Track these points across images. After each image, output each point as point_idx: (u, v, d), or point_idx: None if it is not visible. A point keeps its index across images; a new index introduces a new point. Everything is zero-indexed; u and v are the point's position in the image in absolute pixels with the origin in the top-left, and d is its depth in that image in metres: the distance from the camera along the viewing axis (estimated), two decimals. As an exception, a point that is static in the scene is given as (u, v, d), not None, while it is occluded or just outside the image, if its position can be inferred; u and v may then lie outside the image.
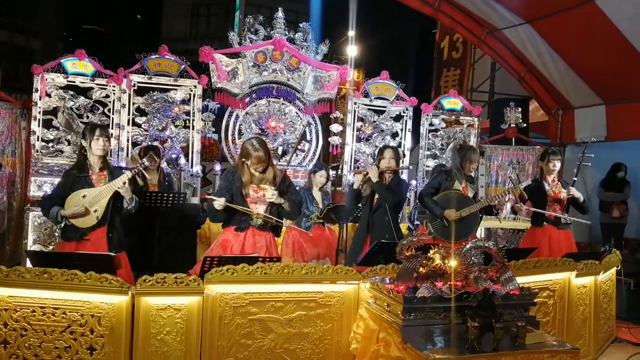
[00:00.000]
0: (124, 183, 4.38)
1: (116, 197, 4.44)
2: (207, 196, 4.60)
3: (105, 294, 3.49)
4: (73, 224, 4.38)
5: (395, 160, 5.49)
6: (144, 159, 4.62)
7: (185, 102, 7.18)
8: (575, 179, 6.17)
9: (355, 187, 5.49)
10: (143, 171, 4.58)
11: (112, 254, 3.97)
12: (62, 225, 4.46)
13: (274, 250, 4.53)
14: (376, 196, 5.44)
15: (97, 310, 3.50)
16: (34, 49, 24.78)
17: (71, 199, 4.37)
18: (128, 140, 6.97)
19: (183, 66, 7.10)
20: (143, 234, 5.34)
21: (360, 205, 5.65)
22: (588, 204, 6.21)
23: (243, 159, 4.47)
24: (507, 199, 5.71)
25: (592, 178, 9.24)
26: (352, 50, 15.26)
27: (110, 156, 6.80)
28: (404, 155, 7.96)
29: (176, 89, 7.13)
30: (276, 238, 4.71)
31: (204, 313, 3.64)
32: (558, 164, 6.01)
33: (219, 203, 4.35)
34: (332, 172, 7.06)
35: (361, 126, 8.05)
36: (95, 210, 4.35)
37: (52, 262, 3.66)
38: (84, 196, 4.36)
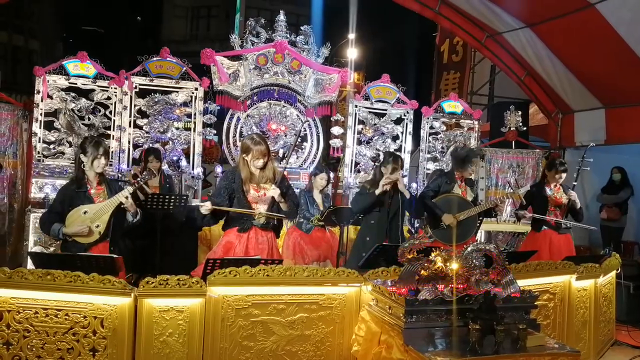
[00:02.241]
0: (127, 198, 4.37)
1: (117, 211, 4.42)
2: (196, 205, 4.56)
3: (108, 295, 3.51)
4: (75, 240, 4.33)
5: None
6: (144, 173, 4.60)
7: (187, 104, 7.20)
8: (575, 183, 6.20)
9: (377, 192, 5.43)
10: (143, 185, 4.57)
11: (115, 255, 3.97)
12: (62, 239, 4.38)
13: (275, 251, 4.55)
14: (389, 202, 5.44)
15: (100, 312, 3.51)
16: (33, 50, 24.81)
17: (72, 215, 4.32)
18: (129, 142, 6.98)
19: (185, 68, 7.12)
20: (144, 237, 5.35)
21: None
22: (583, 212, 6.24)
23: (243, 155, 4.48)
24: (506, 203, 5.75)
25: (591, 182, 9.27)
26: (352, 53, 15.28)
27: (112, 158, 6.82)
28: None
29: (177, 91, 7.15)
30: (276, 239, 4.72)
31: (207, 315, 3.65)
32: (564, 176, 6.06)
33: (205, 208, 4.35)
34: (332, 174, 7.07)
35: (362, 129, 8.07)
36: (97, 226, 4.33)
37: (54, 263, 3.67)
38: (85, 212, 4.31)
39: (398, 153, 6.02)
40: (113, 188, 4.50)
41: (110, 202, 4.37)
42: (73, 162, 6.72)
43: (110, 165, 6.73)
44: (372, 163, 7.91)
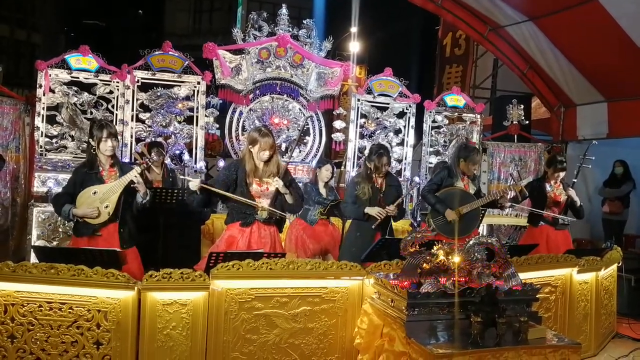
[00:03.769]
0: (136, 177, 4.40)
1: (126, 192, 4.46)
2: (182, 177, 4.61)
3: (111, 289, 3.54)
4: (85, 220, 4.38)
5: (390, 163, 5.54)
6: (152, 154, 4.64)
7: (189, 98, 7.20)
8: (575, 180, 6.21)
9: (367, 211, 5.35)
10: (152, 165, 4.60)
11: (118, 249, 4.00)
12: (74, 221, 4.46)
13: (278, 245, 4.56)
14: (381, 197, 5.44)
15: (104, 306, 3.54)
16: (35, 44, 24.81)
17: (82, 196, 4.37)
18: (132, 137, 6.99)
19: (187, 62, 7.12)
20: (147, 231, 5.36)
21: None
22: (584, 210, 6.23)
23: (250, 146, 4.47)
24: (509, 195, 5.75)
25: (593, 176, 9.28)
26: (354, 47, 15.21)
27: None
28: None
29: (180, 85, 7.15)
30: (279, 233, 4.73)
31: (210, 308, 3.68)
32: (563, 174, 6.08)
33: (194, 184, 4.37)
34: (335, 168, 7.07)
35: (364, 123, 8.08)
36: (107, 206, 4.36)
37: (57, 257, 3.70)
38: (94, 192, 4.36)
39: (385, 146, 5.86)
40: (125, 170, 4.53)
41: (119, 182, 4.40)
42: (75, 156, 6.76)
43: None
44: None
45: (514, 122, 9.01)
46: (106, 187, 4.39)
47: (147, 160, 4.58)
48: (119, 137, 6.79)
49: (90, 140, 4.49)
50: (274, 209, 4.47)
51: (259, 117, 7.75)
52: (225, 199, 4.51)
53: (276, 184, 4.43)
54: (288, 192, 4.50)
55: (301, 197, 4.71)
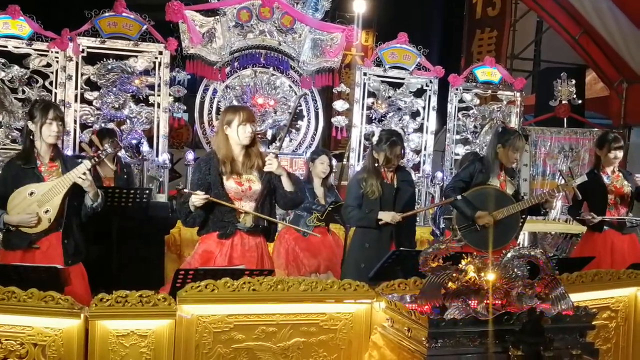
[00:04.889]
0: (84, 174, 4.35)
1: (73, 193, 4.43)
2: (181, 190, 4.50)
3: (51, 317, 3.51)
4: (19, 229, 4.34)
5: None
6: (105, 145, 4.60)
7: (149, 72, 7.20)
8: (642, 173, 6.19)
9: (379, 217, 5.38)
10: (105, 160, 4.56)
11: (59, 266, 3.98)
12: (4, 230, 4.41)
13: (267, 259, 4.54)
14: (393, 197, 5.45)
15: (41, 338, 3.52)
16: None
17: (15, 197, 4.32)
18: (75, 122, 6.99)
19: (145, 27, 7.12)
20: (96, 242, 5.36)
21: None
22: None
23: (225, 127, 4.40)
24: (558, 197, 5.73)
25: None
26: (359, 6, 15.21)
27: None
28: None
29: (137, 56, 7.16)
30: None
31: (177, 340, 3.66)
32: (620, 154, 5.99)
33: (199, 197, 4.26)
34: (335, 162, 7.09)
35: (372, 103, 8.08)
36: (47, 211, 4.33)
37: (-20, 276, 3.68)
38: (31, 193, 4.31)
39: (398, 132, 5.80)
40: (70, 166, 4.47)
41: (62, 181, 4.35)
42: (3, 147, 6.75)
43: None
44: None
45: (563, 102, 9.01)
46: (46, 187, 4.34)
47: (100, 152, 4.52)
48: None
49: (30, 123, 4.42)
50: (260, 215, 4.43)
51: (238, 97, 7.76)
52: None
53: (270, 167, 4.31)
54: (284, 173, 4.42)
55: (300, 186, 4.63)
